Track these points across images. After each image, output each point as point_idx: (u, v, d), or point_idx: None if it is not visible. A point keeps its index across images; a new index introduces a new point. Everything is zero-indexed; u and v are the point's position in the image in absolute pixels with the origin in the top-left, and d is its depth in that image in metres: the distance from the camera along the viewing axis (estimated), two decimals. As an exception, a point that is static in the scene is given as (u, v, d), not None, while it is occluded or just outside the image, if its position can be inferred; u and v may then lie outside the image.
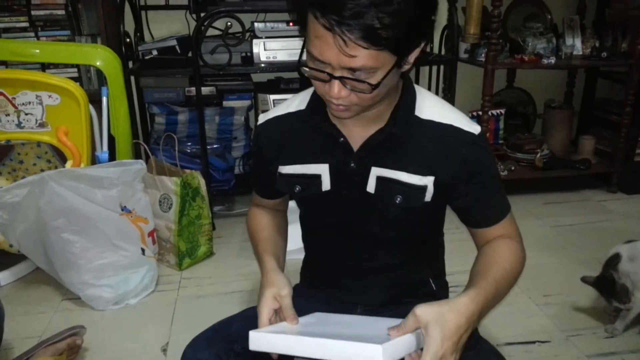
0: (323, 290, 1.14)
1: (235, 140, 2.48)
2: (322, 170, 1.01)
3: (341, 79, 0.81)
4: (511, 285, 0.95)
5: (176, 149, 2.05)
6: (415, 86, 0.99)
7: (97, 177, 1.73)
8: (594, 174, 2.70)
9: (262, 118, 1.09)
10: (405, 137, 0.95)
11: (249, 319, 1.05)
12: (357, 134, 0.97)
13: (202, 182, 2.02)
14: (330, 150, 0.99)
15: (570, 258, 2.08)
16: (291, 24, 2.22)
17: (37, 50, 2.02)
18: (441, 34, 2.56)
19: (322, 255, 1.15)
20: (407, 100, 0.96)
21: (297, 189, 1.04)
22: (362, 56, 0.77)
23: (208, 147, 2.30)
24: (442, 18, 2.49)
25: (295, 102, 1.05)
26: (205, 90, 2.30)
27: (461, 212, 1.02)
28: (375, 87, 0.82)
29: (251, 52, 2.20)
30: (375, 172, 0.97)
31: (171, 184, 1.93)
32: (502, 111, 2.84)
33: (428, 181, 0.96)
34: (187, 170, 2.01)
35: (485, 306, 0.85)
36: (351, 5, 0.73)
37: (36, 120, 1.94)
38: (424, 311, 0.79)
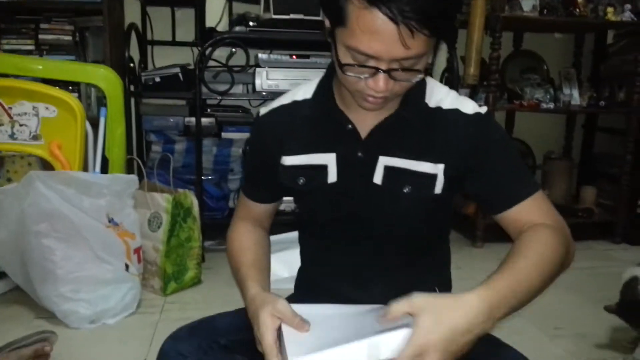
0: (319, 301, 1.02)
1: (232, 172, 2.43)
2: (329, 160, 0.95)
3: (390, 71, 0.79)
4: (544, 277, 0.80)
5: (171, 168, 2.00)
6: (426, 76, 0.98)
7: (86, 182, 1.66)
8: (597, 224, 2.64)
9: (265, 109, 1.03)
10: (415, 124, 0.91)
11: (235, 316, 0.97)
12: (366, 121, 0.93)
13: (195, 203, 1.95)
14: (337, 139, 0.94)
15: (579, 296, 1.97)
16: (294, 56, 2.26)
17: (40, 67, 2.02)
18: (440, 78, 2.60)
19: (321, 260, 1.05)
20: (418, 87, 0.93)
21: (301, 181, 0.97)
22: (418, 44, 0.76)
23: (204, 177, 2.25)
24: (441, 62, 2.55)
25: (301, 92, 1.01)
26: (204, 121, 2.28)
27: (481, 197, 0.94)
28: (424, 73, 0.81)
29: (253, 81, 2.22)
30: (383, 161, 0.92)
31: (162, 200, 1.86)
32: (502, 160, 2.82)
33: (438, 170, 0.91)
34: (181, 190, 1.95)
35: (501, 304, 0.72)
36: None
37: (30, 132, 1.90)
38: (421, 298, 0.71)
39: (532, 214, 0.88)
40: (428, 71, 0.83)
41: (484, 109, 0.93)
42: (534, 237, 0.84)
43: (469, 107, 0.92)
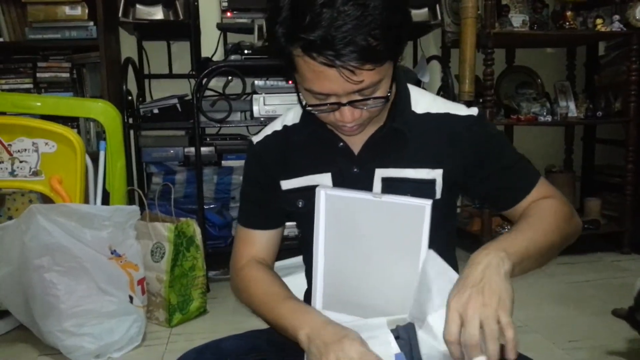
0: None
1: (234, 200, 2.42)
2: (325, 180, 0.95)
3: (351, 102, 0.81)
4: (546, 228, 0.84)
5: (172, 198, 1.99)
6: (409, 85, 0.99)
7: (88, 214, 1.65)
8: (605, 235, 2.62)
9: (258, 137, 1.04)
10: (405, 133, 0.92)
11: (242, 338, 0.97)
12: (357, 137, 0.94)
13: (198, 231, 1.94)
14: (331, 158, 0.95)
15: (591, 309, 1.93)
16: (290, 82, 2.27)
17: (39, 103, 2.03)
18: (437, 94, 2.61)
19: None
20: (403, 97, 0.95)
21: (300, 204, 0.98)
22: (368, 75, 0.77)
23: (205, 206, 2.24)
24: (436, 80, 2.56)
25: (289, 117, 1.02)
26: (204, 150, 2.29)
27: (489, 198, 0.97)
28: (387, 98, 0.83)
29: (251, 108, 2.23)
30: (380, 173, 0.93)
31: (165, 230, 1.84)
32: (503, 175, 2.81)
33: (436, 174, 0.91)
34: (183, 219, 1.93)
35: (506, 246, 0.78)
36: (340, 35, 0.73)
37: (30, 168, 1.90)
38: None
39: (537, 197, 0.92)
40: (389, 96, 0.84)
41: (475, 110, 0.94)
42: (534, 208, 0.90)
43: (459, 110, 0.94)
